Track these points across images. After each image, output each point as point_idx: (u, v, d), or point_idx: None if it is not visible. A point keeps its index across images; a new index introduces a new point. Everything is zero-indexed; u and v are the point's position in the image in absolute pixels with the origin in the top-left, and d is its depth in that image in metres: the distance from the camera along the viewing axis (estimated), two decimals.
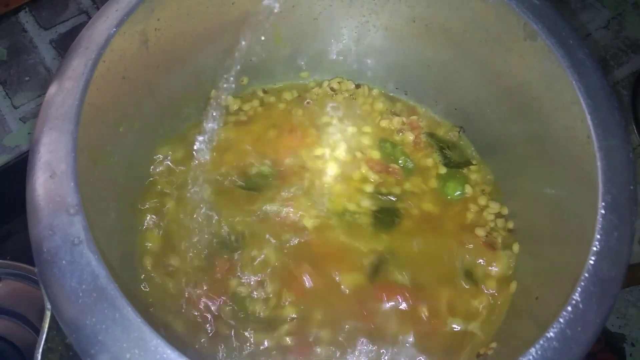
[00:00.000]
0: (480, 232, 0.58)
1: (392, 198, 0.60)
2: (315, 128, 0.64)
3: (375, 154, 0.62)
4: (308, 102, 0.65)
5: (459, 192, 0.60)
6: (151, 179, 0.59)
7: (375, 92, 0.66)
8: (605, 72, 0.91)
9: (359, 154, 0.62)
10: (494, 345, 0.52)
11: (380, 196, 0.60)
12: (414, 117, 0.65)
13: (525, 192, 0.57)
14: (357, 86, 0.67)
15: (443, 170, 0.62)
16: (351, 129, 0.64)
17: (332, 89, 0.66)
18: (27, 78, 0.87)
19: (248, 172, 0.60)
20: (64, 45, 0.89)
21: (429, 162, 0.62)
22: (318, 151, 0.62)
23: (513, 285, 0.55)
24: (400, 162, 0.62)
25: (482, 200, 0.60)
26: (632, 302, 0.80)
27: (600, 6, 0.98)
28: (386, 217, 0.59)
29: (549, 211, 0.52)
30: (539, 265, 0.53)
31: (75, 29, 0.90)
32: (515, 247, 0.57)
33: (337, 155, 0.62)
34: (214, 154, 0.61)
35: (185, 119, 0.62)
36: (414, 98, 0.66)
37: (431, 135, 0.64)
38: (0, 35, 0.89)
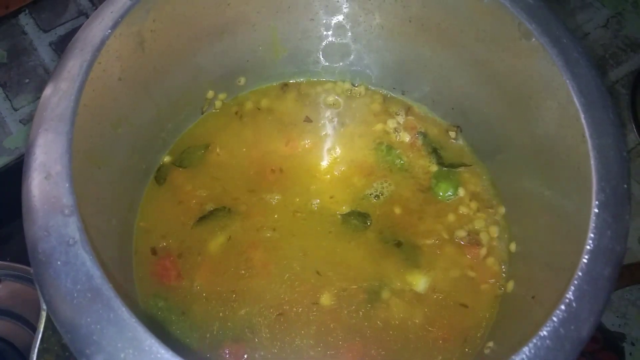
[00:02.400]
0: (462, 232, 0.58)
1: (376, 200, 0.60)
2: (311, 129, 0.64)
3: (371, 156, 0.63)
4: (305, 103, 0.65)
5: (450, 193, 0.60)
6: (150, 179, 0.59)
7: (372, 92, 0.67)
8: (604, 71, 0.91)
9: (354, 155, 0.63)
10: (490, 344, 0.52)
11: (371, 198, 0.60)
12: (411, 117, 0.65)
13: (522, 191, 0.56)
14: (354, 86, 0.67)
15: (436, 171, 0.62)
16: (348, 130, 0.64)
17: (328, 90, 0.66)
18: (27, 80, 0.87)
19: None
20: (64, 47, 0.89)
21: (423, 162, 0.62)
22: (313, 153, 0.62)
23: (510, 284, 0.55)
24: (395, 163, 0.62)
25: (473, 202, 0.60)
26: (632, 301, 0.80)
27: (600, 5, 0.98)
28: (362, 222, 0.59)
29: (545, 210, 0.52)
30: (536, 264, 0.53)
31: (75, 31, 0.89)
32: (513, 246, 0.57)
33: (332, 156, 0.63)
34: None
35: (182, 120, 0.62)
36: (411, 98, 0.66)
37: (426, 135, 0.64)
38: (0, 38, 0.90)
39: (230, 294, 0.55)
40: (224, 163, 0.62)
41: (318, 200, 0.59)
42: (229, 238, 0.57)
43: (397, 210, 0.59)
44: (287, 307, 0.54)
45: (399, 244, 0.58)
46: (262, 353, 0.52)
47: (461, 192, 0.60)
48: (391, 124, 0.64)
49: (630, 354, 0.77)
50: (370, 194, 0.60)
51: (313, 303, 0.54)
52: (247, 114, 0.65)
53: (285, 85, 0.67)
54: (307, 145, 0.63)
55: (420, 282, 0.56)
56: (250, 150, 0.62)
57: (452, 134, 0.63)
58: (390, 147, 0.63)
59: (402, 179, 0.61)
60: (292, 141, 0.63)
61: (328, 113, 0.65)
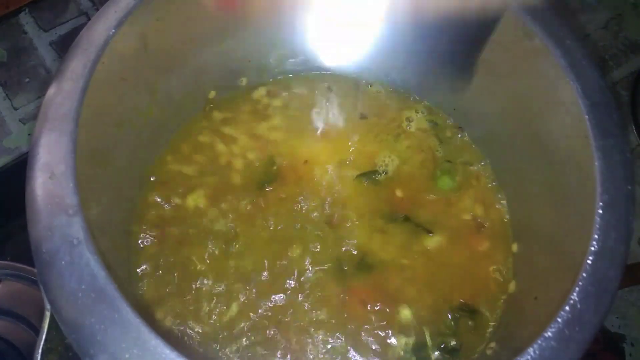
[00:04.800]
0: (462, 232, 0.58)
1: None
2: (315, 128, 0.64)
3: (376, 152, 0.62)
4: (307, 102, 0.65)
5: (450, 190, 0.60)
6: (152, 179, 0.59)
7: (374, 89, 0.66)
8: (604, 73, 0.91)
9: (359, 152, 0.62)
10: (493, 345, 0.52)
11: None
12: (414, 115, 0.65)
13: (524, 192, 0.57)
14: (356, 83, 0.67)
15: (439, 167, 0.62)
16: (350, 128, 0.64)
17: (331, 89, 0.66)
18: (27, 79, 0.87)
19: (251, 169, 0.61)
20: (64, 46, 0.89)
21: (426, 158, 0.62)
22: (318, 151, 0.62)
23: (512, 285, 0.55)
24: (399, 158, 0.62)
25: (475, 202, 0.60)
26: (632, 302, 0.80)
27: (600, 6, 0.98)
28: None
29: (547, 211, 0.52)
30: (538, 265, 0.53)
31: (75, 31, 0.90)
32: (514, 247, 0.57)
33: (338, 152, 0.63)
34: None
35: (184, 120, 0.62)
36: (413, 95, 0.66)
37: (428, 132, 0.64)
38: (0, 37, 0.90)
39: (229, 295, 0.55)
40: (226, 163, 0.61)
41: (325, 198, 0.60)
42: (231, 236, 0.57)
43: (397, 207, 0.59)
44: (289, 311, 0.54)
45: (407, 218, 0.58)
46: (266, 352, 0.52)
47: (463, 191, 0.60)
48: (393, 120, 0.64)
49: (630, 354, 0.78)
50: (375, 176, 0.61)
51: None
52: (249, 114, 0.64)
53: (288, 85, 0.67)
54: (311, 144, 0.63)
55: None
56: (253, 149, 0.62)
57: (454, 133, 0.64)
58: (394, 142, 0.63)
59: (405, 174, 0.61)
60: (296, 139, 0.63)
61: (331, 112, 0.65)
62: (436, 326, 0.54)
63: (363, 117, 0.63)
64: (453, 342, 0.53)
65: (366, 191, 0.60)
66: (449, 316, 0.54)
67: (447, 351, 0.53)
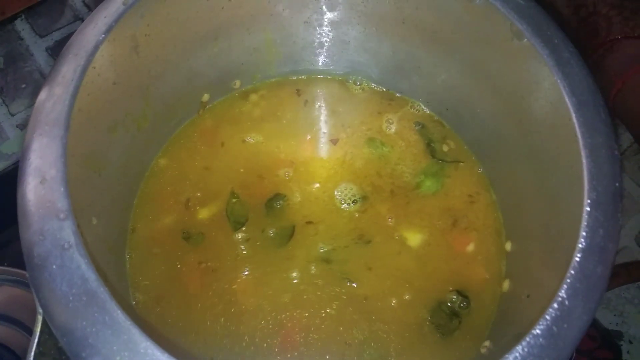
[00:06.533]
0: (455, 233, 0.58)
1: (360, 202, 0.60)
2: (307, 131, 0.64)
3: (366, 153, 0.63)
4: (300, 105, 0.66)
5: (439, 189, 0.60)
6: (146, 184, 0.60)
7: (366, 92, 0.67)
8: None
9: (350, 153, 0.63)
10: (487, 343, 0.52)
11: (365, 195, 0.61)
12: (405, 117, 0.65)
13: (516, 190, 0.57)
14: (348, 87, 0.67)
15: (428, 167, 0.62)
16: (343, 129, 0.64)
17: (323, 91, 0.66)
18: (23, 85, 0.88)
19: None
20: (60, 52, 0.90)
21: (415, 159, 0.62)
22: (310, 155, 0.63)
23: (506, 284, 0.56)
24: (388, 160, 0.62)
25: (467, 201, 0.60)
26: (629, 300, 0.81)
27: None
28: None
29: (539, 209, 0.52)
30: (531, 263, 0.53)
31: (71, 36, 0.91)
32: (508, 246, 0.57)
33: (329, 156, 0.63)
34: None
35: (178, 124, 0.63)
36: (405, 98, 0.66)
37: (419, 133, 0.64)
38: None
39: (226, 298, 0.55)
40: (218, 166, 0.62)
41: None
42: (224, 242, 0.57)
43: (385, 211, 0.60)
44: (289, 325, 0.54)
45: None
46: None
47: (453, 189, 0.61)
48: (385, 122, 0.64)
49: (628, 352, 0.78)
50: (362, 195, 0.61)
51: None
52: (242, 117, 0.65)
53: (280, 86, 0.67)
54: (302, 148, 0.63)
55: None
56: (245, 153, 0.62)
57: (445, 133, 0.64)
58: (383, 144, 0.63)
59: (395, 173, 0.61)
60: (287, 143, 0.63)
61: (323, 114, 0.66)
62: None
63: (334, 141, 0.63)
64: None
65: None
66: (443, 316, 0.55)
67: None
